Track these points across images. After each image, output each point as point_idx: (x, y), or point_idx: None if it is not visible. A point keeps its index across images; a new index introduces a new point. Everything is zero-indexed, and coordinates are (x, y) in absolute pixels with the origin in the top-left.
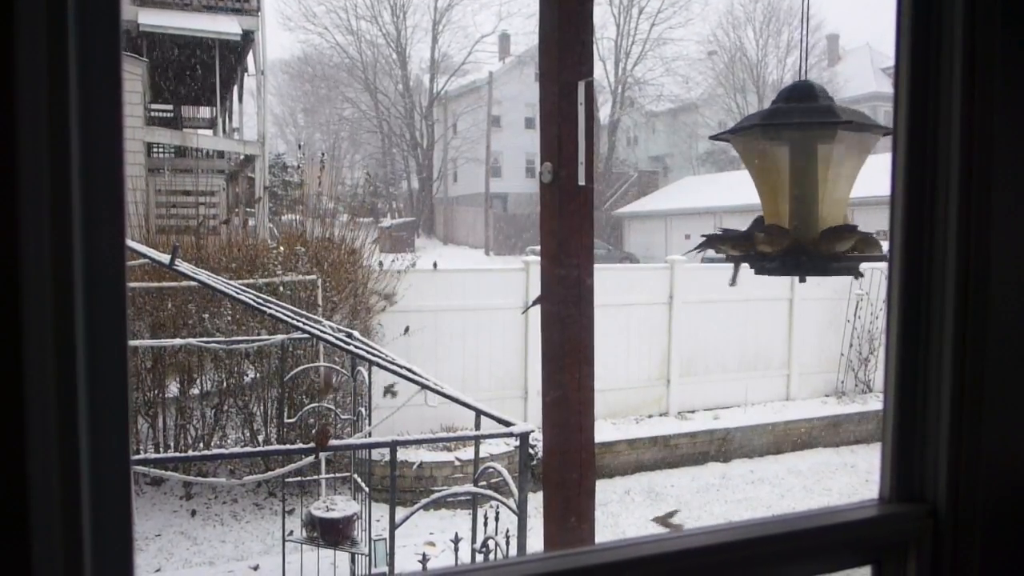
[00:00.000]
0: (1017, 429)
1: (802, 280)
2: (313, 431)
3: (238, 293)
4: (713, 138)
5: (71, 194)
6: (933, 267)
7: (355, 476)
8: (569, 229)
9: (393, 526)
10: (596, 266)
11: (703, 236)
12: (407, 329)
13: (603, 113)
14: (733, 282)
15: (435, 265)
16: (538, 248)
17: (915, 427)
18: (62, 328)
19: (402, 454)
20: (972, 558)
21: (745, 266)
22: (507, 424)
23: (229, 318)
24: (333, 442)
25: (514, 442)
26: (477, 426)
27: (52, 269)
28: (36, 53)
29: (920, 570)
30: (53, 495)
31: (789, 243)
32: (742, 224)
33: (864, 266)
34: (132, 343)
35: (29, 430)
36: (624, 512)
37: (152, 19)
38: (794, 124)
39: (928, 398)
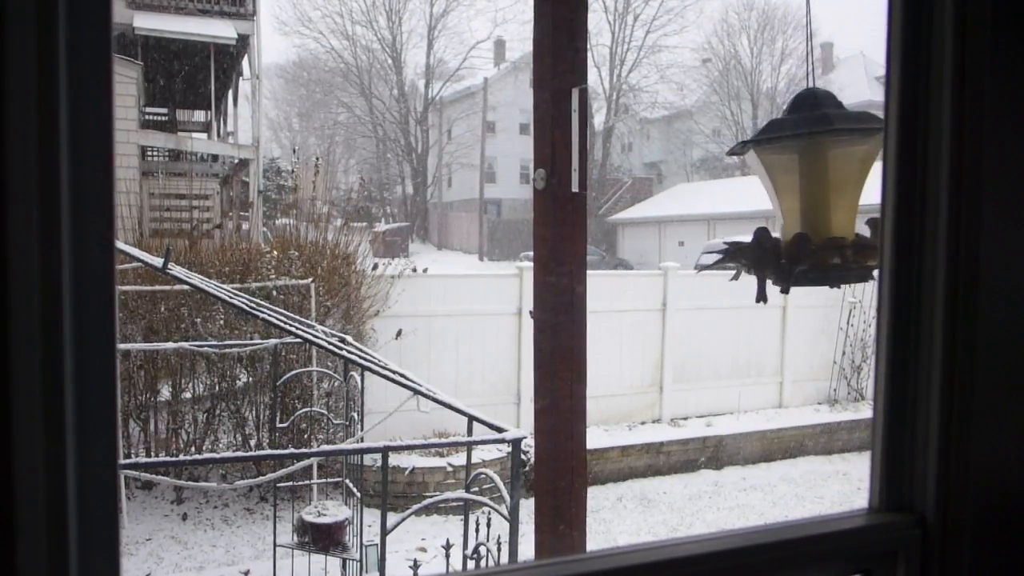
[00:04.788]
0: (1006, 439)
1: (833, 287)
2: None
3: (231, 297)
4: (730, 153)
5: (60, 196)
6: (923, 276)
7: (347, 481)
8: (561, 236)
9: (384, 531)
10: (589, 272)
11: (726, 244)
12: (399, 333)
13: (598, 119)
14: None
15: (425, 270)
16: (532, 254)
17: (904, 437)
18: (50, 332)
19: (394, 460)
20: (960, 568)
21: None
22: (499, 430)
23: (222, 322)
24: (325, 447)
25: (506, 448)
26: (469, 432)
27: (40, 272)
28: (26, 54)
29: None
30: (39, 498)
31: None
32: (737, 231)
33: None
34: (124, 346)
35: (16, 432)
36: (616, 519)
37: (147, 22)
38: (803, 134)
39: (917, 408)
